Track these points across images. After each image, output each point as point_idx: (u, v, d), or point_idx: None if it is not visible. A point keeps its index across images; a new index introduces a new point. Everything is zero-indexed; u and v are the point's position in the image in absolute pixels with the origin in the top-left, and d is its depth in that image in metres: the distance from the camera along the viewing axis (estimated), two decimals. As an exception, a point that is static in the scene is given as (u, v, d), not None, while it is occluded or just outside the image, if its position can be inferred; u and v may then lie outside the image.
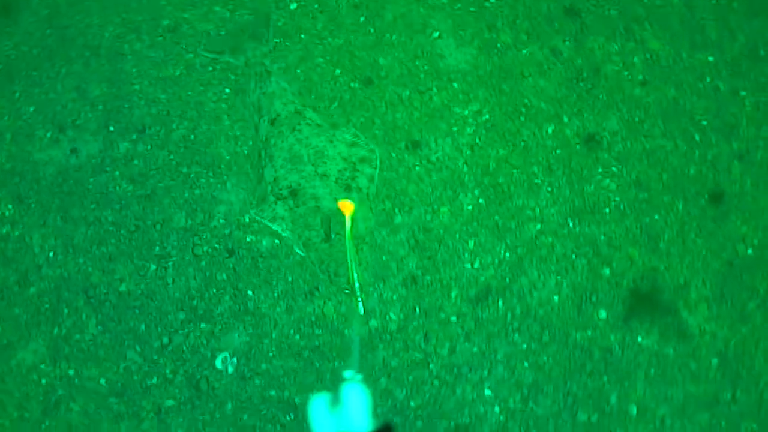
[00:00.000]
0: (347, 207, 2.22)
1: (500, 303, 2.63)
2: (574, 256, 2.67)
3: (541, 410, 2.59)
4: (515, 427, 2.59)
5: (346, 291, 2.33)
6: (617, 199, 2.72)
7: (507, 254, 2.66)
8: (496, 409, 2.59)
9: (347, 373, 1.46)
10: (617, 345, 2.62)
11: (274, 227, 2.51)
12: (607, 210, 2.71)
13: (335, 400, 1.35)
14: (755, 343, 2.64)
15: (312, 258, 2.42)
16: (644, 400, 2.61)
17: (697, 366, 2.63)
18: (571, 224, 2.69)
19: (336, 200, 2.37)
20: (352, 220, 2.25)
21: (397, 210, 2.69)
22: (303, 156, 2.43)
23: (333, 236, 2.36)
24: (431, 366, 2.61)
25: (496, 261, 2.66)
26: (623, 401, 2.61)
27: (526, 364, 2.61)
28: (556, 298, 2.64)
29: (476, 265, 2.66)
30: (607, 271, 2.66)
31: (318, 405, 1.35)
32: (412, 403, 2.59)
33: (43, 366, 2.75)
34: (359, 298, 2.12)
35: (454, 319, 2.63)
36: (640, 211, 2.71)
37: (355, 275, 2.11)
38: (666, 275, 2.66)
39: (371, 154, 2.51)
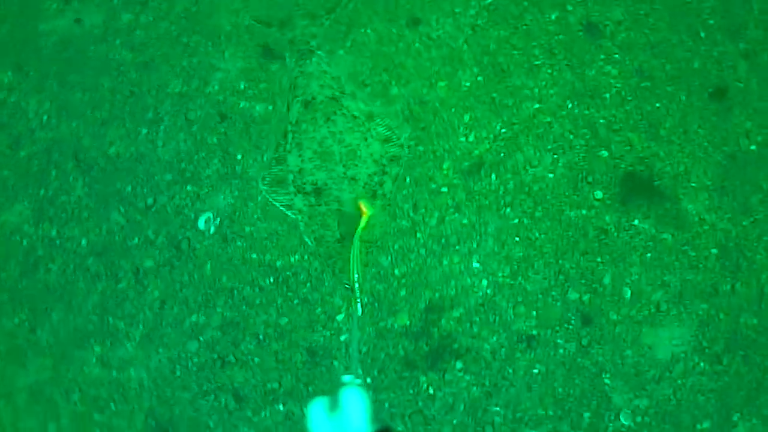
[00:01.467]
0: (365, 209, 2.19)
1: (493, 177, 2.52)
2: (571, 137, 2.55)
3: (530, 286, 2.45)
4: (503, 301, 2.45)
5: (347, 287, 2.22)
6: (618, 85, 2.61)
7: (503, 130, 2.56)
8: (484, 282, 2.46)
9: (346, 377, 1.44)
10: (613, 226, 2.49)
11: (288, 213, 2.41)
12: (608, 95, 2.60)
13: (334, 404, 1.29)
14: (757, 237, 2.50)
15: (320, 252, 2.32)
16: (639, 284, 2.46)
17: (696, 255, 2.49)
18: (570, 106, 2.58)
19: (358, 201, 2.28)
20: (367, 222, 2.20)
21: (393, 82, 2.61)
22: (335, 154, 2.29)
23: (347, 236, 2.26)
24: (418, 235, 2.49)
25: (492, 136, 2.55)
26: (617, 283, 2.46)
27: (517, 239, 2.48)
28: (551, 175, 2.52)
29: (471, 139, 2.56)
30: (605, 153, 2.54)
31: (316, 409, 1.29)
32: (396, 271, 2.46)
33: (26, 227, 2.67)
34: (358, 299, 2.07)
35: (444, 190, 2.51)
36: (642, 98, 2.60)
37: (356, 275, 2.08)
38: (666, 162, 2.54)
39: (401, 150, 2.38)
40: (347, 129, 2.31)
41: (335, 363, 2.41)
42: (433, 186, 2.49)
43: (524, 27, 2.67)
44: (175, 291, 2.50)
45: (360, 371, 1.90)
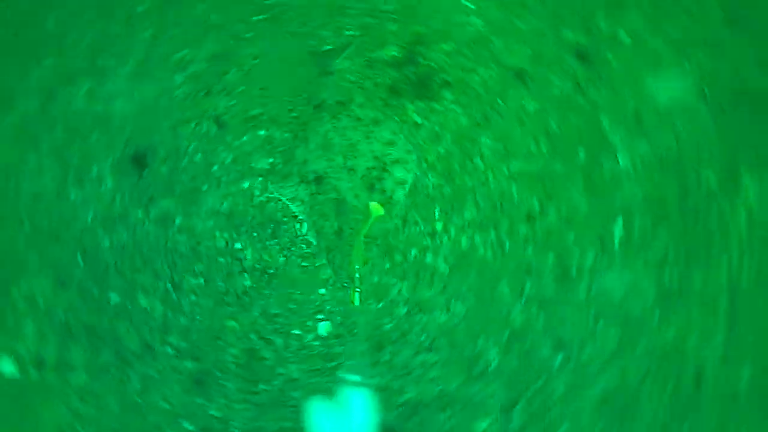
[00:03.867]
0: (376, 209, 2.15)
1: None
2: None
3: (525, 25, 2.31)
4: (495, 38, 2.32)
5: (346, 285, 2.17)
6: None
7: None
8: (476, 20, 2.30)
9: (349, 377, 1.40)
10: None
11: (292, 207, 2.31)
12: None
13: (336, 403, 1.29)
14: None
15: (321, 245, 2.24)
16: (637, 31, 2.32)
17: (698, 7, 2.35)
18: None
19: (356, 196, 2.22)
20: (373, 223, 2.15)
21: None
22: (335, 145, 2.28)
23: (345, 231, 2.20)
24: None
25: None
26: (614, 28, 2.32)
27: (510, -23, 2.38)
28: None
29: None
30: None
31: (318, 408, 1.31)
32: (385, 6, 2.36)
33: (31, -15, 2.65)
34: (357, 289, 2.06)
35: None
36: None
37: (355, 266, 2.07)
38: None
39: (407, 156, 2.30)
40: (350, 126, 2.28)
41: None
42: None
43: None
44: (165, 29, 2.44)
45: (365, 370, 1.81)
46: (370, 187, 2.18)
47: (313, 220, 2.14)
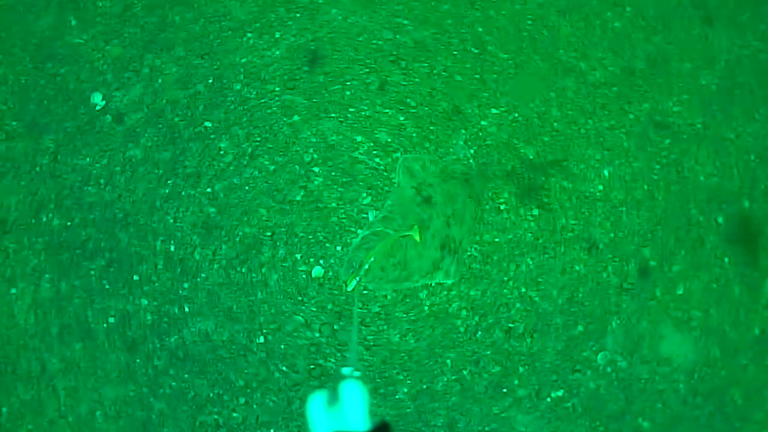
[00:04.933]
0: (415, 233, 2.27)
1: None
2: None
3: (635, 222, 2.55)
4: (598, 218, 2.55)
5: (353, 266, 2.25)
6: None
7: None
8: (603, 188, 2.55)
9: (345, 370, 1.34)
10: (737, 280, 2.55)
11: (393, 180, 2.46)
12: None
13: (333, 398, 1.23)
14: None
15: (362, 221, 2.37)
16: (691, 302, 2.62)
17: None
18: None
19: (433, 236, 2.35)
20: (410, 235, 2.28)
21: None
22: (459, 198, 2.42)
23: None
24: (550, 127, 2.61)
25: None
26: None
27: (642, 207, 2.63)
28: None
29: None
30: None
31: (315, 403, 1.22)
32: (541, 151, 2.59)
33: None
34: (356, 277, 2.13)
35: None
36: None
37: (371, 257, 2.17)
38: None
39: (458, 250, 2.42)
40: (475, 202, 2.45)
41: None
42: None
43: None
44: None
45: (359, 364, 1.80)
46: (441, 246, 2.35)
47: (392, 204, 2.34)
